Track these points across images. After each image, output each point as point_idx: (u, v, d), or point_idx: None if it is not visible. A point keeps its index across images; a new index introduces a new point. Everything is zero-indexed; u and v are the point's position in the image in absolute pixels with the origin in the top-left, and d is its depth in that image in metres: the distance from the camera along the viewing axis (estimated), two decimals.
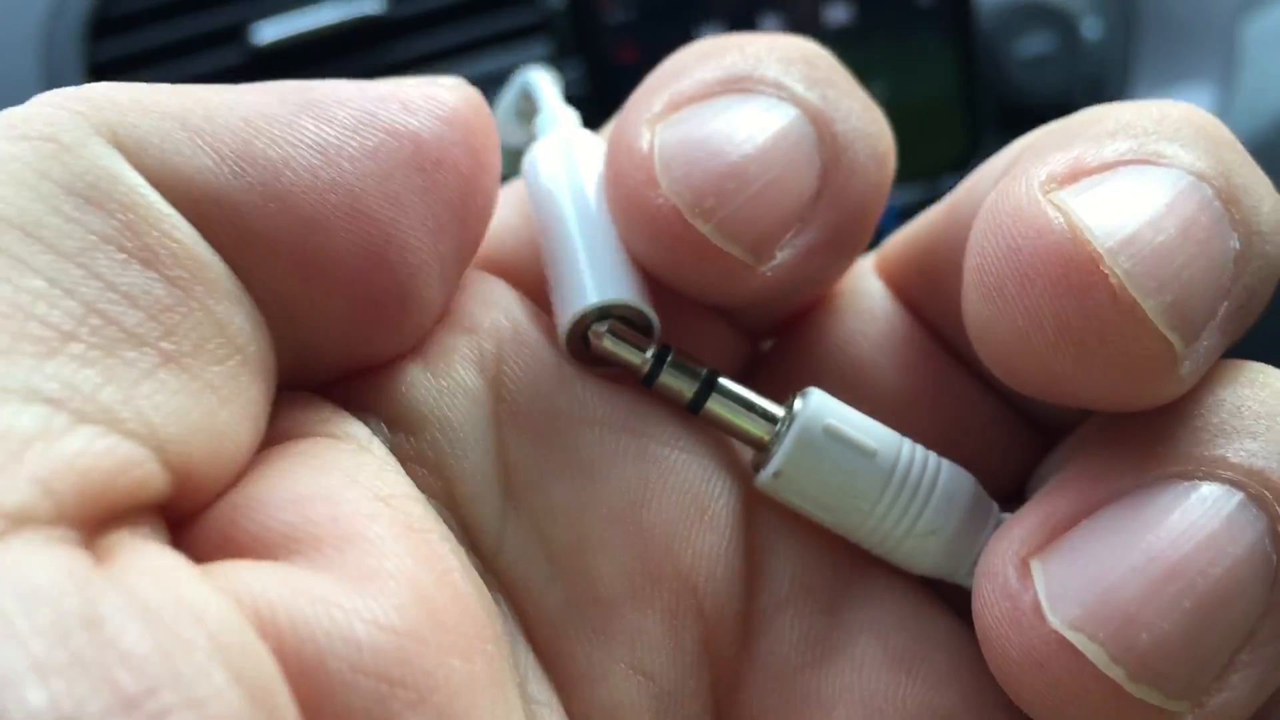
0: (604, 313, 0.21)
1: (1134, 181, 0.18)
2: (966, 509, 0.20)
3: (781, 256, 0.20)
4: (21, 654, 0.12)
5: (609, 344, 0.20)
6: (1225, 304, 0.18)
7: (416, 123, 0.19)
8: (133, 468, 0.15)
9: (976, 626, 0.18)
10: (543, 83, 0.25)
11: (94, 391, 0.15)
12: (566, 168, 0.22)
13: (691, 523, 0.20)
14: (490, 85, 0.58)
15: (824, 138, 0.20)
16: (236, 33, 0.56)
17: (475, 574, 0.19)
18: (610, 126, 0.22)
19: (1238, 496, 0.17)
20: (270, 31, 0.55)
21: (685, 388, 0.21)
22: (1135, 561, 0.17)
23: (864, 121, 0.21)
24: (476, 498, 0.20)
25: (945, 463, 0.20)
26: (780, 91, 0.20)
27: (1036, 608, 0.17)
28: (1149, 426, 0.18)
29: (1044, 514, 0.18)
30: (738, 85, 0.20)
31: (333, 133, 0.18)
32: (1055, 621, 0.17)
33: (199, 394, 0.16)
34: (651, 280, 0.21)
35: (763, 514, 0.21)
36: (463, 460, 0.20)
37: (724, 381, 0.21)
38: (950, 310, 0.22)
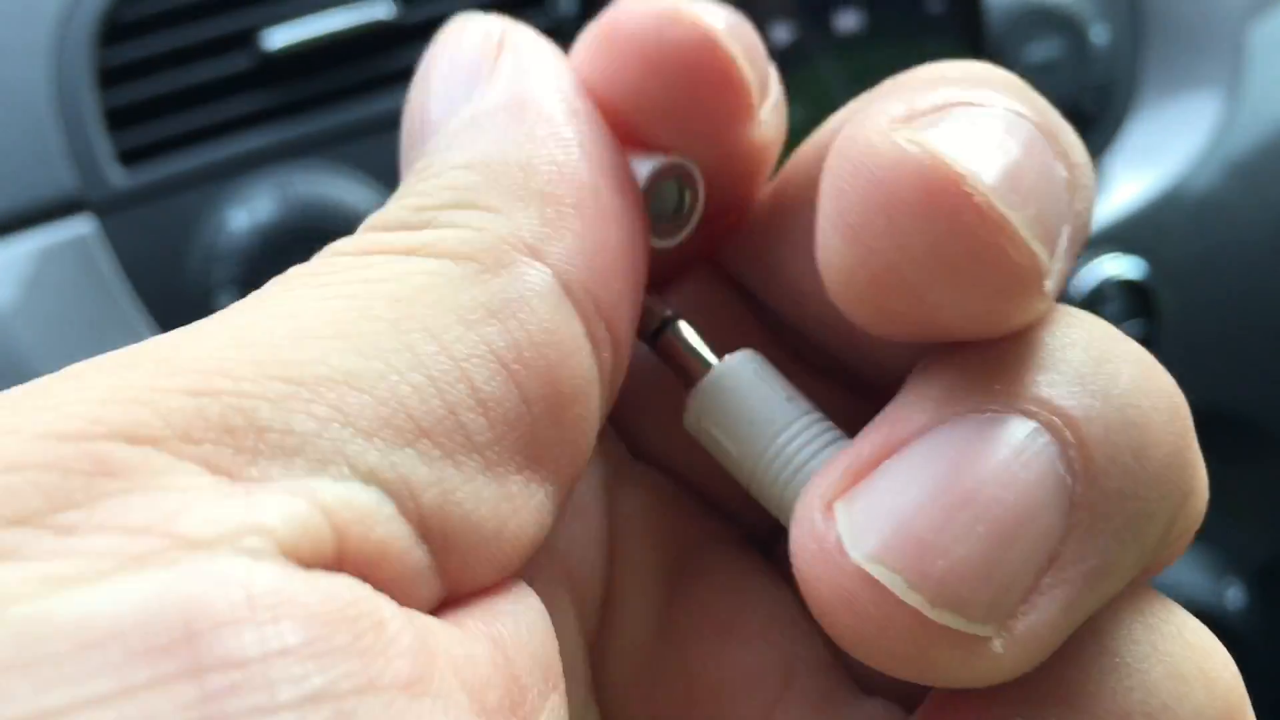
0: (659, 174, 0.22)
1: (968, 118, 0.18)
2: None
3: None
4: (331, 637, 0.14)
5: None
6: (1067, 227, 0.18)
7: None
8: (408, 563, 0.17)
9: (795, 573, 0.19)
10: None
11: (421, 491, 0.17)
12: None
13: (569, 515, 0.22)
14: None
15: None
16: (247, 38, 0.56)
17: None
18: None
19: (1029, 425, 0.18)
20: (280, 37, 0.55)
21: (648, 320, 0.22)
22: (928, 493, 0.17)
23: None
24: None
25: (844, 440, 0.21)
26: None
27: (839, 545, 0.18)
28: (950, 369, 0.19)
29: (848, 460, 0.19)
30: None
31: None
32: (856, 556, 0.17)
33: (496, 505, 0.18)
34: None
35: (621, 505, 0.23)
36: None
37: (684, 327, 0.22)
38: (774, 286, 0.24)
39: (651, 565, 0.23)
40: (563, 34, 0.58)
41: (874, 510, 0.18)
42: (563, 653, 0.20)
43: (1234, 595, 0.65)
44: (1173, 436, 0.19)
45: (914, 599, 0.17)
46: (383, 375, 0.17)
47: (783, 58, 0.57)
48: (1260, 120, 0.65)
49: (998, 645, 0.17)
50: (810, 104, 0.58)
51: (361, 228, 0.20)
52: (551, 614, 0.20)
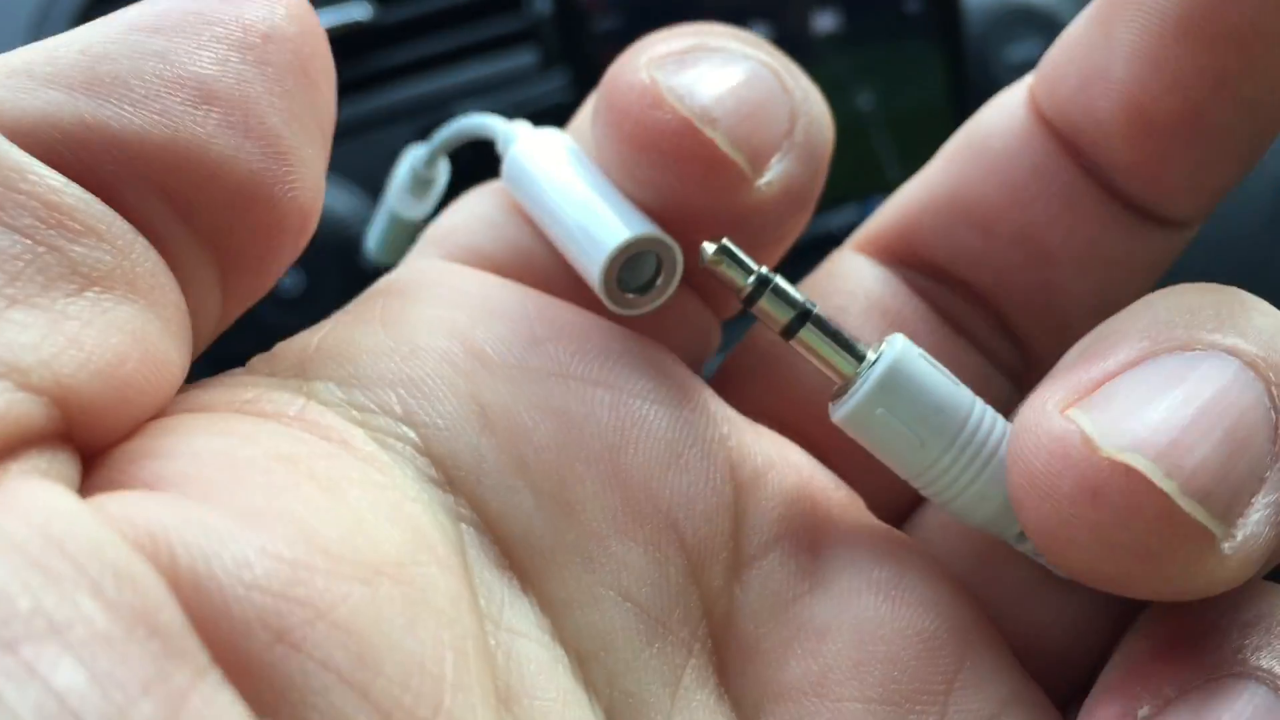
0: (632, 246, 0.22)
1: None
2: None
3: (773, 172, 0.22)
4: None
5: (719, 264, 0.22)
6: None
7: (238, 8, 0.20)
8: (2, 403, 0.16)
9: (1018, 482, 0.20)
10: (482, 118, 0.27)
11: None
12: (553, 150, 0.24)
13: (666, 466, 0.22)
14: (477, 92, 0.58)
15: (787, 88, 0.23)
16: None
17: (418, 507, 0.20)
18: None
19: (1236, 362, 0.19)
20: None
21: (782, 314, 0.22)
22: (1170, 401, 0.19)
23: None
24: (448, 434, 0.21)
25: (1001, 418, 0.22)
26: (738, 46, 0.23)
27: (1087, 441, 0.19)
28: (1150, 316, 0.21)
29: (1072, 379, 0.20)
30: (701, 48, 0.23)
31: (163, 37, 0.19)
32: (1109, 448, 0.18)
33: (53, 326, 0.17)
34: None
35: (746, 458, 0.23)
36: (432, 405, 0.21)
37: (819, 314, 0.22)
38: (942, 267, 0.25)
39: (793, 525, 0.23)
40: (538, 36, 0.58)
41: (1119, 414, 0.19)
42: (663, 611, 0.21)
43: None
44: None
45: (1168, 485, 0.18)
46: None
47: None
48: None
49: (1226, 547, 0.18)
50: None
51: None
52: (654, 573, 0.21)
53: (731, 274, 0.22)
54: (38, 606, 0.14)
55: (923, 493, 0.22)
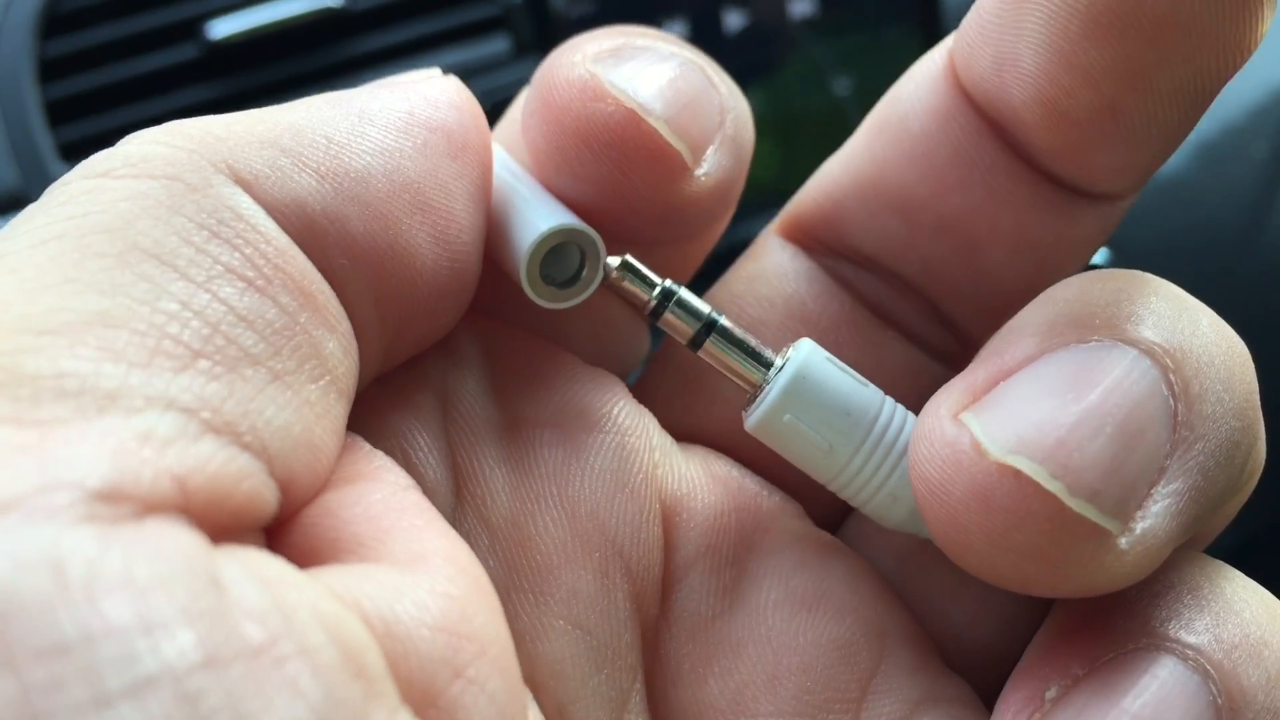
0: (552, 238, 0.22)
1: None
2: None
3: (709, 163, 0.22)
4: (162, 607, 0.14)
5: (623, 280, 0.23)
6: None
7: (442, 115, 0.21)
8: (247, 478, 0.17)
9: (917, 488, 0.20)
10: None
11: (220, 404, 0.16)
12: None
13: (613, 495, 0.22)
14: None
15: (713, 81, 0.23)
16: (192, 28, 0.55)
17: None
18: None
19: (1132, 351, 0.19)
20: (226, 26, 0.54)
21: (688, 325, 0.22)
22: (1058, 401, 0.19)
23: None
24: (435, 494, 0.22)
25: (910, 414, 0.22)
26: (664, 45, 0.23)
27: (976, 445, 0.19)
28: (1048, 310, 0.21)
29: (966, 382, 0.20)
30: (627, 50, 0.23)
31: (391, 137, 0.20)
32: (996, 452, 0.18)
33: (299, 410, 0.18)
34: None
35: (671, 484, 0.23)
36: (425, 467, 0.22)
37: (724, 323, 0.22)
38: (867, 256, 0.24)
39: (713, 544, 0.23)
40: (509, 23, 0.58)
41: (1007, 416, 0.19)
42: (610, 636, 0.22)
43: None
44: (1248, 379, 0.20)
45: (1055, 486, 0.18)
46: (131, 309, 0.16)
47: (738, 43, 0.56)
48: (1223, 101, 0.65)
49: (1123, 542, 0.18)
50: (765, 89, 0.57)
51: None
52: (603, 601, 0.22)
53: (635, 288, 0.22)
54: (293, 631, 0.15)
55: (839, 495, 0.22)
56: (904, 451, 0.21)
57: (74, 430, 0.15)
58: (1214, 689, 0.19)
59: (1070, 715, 0.19)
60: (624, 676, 0.22)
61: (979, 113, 0.23)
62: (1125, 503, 0.18)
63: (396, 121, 0.21)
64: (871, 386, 0.22)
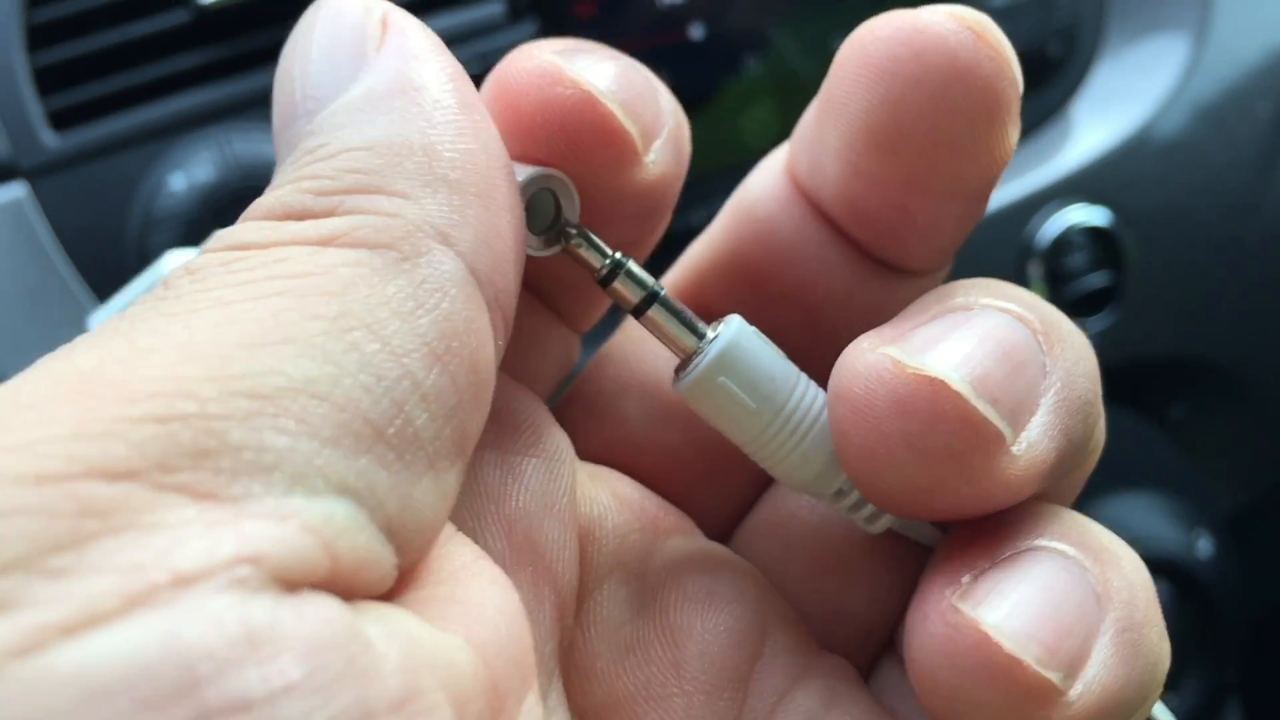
0: (537, 182, 0.24)
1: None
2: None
3: (656, 152, 0.24)
4: (329, 668, 0.16)
5: (580, 247, 0.24)
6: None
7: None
8: (388, 559, 0.18)
9: (838, 415, 0.23)
10: None
11: (384, 496, 0.18)
12: None
13: (543, 515, 0.24)
14: (445, 44, 0.57)
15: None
16: None
17: None
18: None
19: (1008, 315, 0.23)
20: None
21: (633, 294, 0.24)
22: (958, 335, 0.23)
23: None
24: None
25: (819, 388, 0.25)
26: (607, 50, 0.25)
27: (896, 362, 0.22)
28: (942, 292, 0.25)
29: (880, 332, 0.24)
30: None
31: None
32: (912, 365, 0.22)
33: (440, 498, 0.19)
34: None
35: (586, 505, 0.26)
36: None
37: (666, 296, 0.24)
38: (749, 300, 0.27)
39: (621, 560, 0.26)
40: None
41: (918, 345, 0.22)
42: (537, 646, 0.23)
43: (1204, 545, 0.65)
44: (1094, 363, 0.24)
45: (964, 388, 0.22)
46: (336, 380, 0.18)
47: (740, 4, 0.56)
48: (1227, 63, 0.65)
49: (1015, 449, 0.22)
50: (764, 53, 0.57)
51: (255, 213, 0.20)
52: (534, 611, 0.23)
53: (589, 256, 0.24)
54: (423, 690, 0.17)
55: (754, 458, 0.25)
56: (815, 418, 0.24)
57: (264, 506, 0.16)
58: (1092, 579, 0.23)
59: (988, 588, 0.22)
60: (544, 680, 0.24)
61: (809, 203, 0.27)
62: (1017, 413, 0.22)
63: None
64: (790, 362, 0.25)
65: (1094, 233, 0.62)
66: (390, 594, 0.19)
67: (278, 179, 0.21)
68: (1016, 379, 0.22)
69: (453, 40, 0.55)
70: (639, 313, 0.24)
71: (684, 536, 0.27)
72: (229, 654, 0.15)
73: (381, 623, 0.17)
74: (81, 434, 0.15)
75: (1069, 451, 0.24)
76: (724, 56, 0.57)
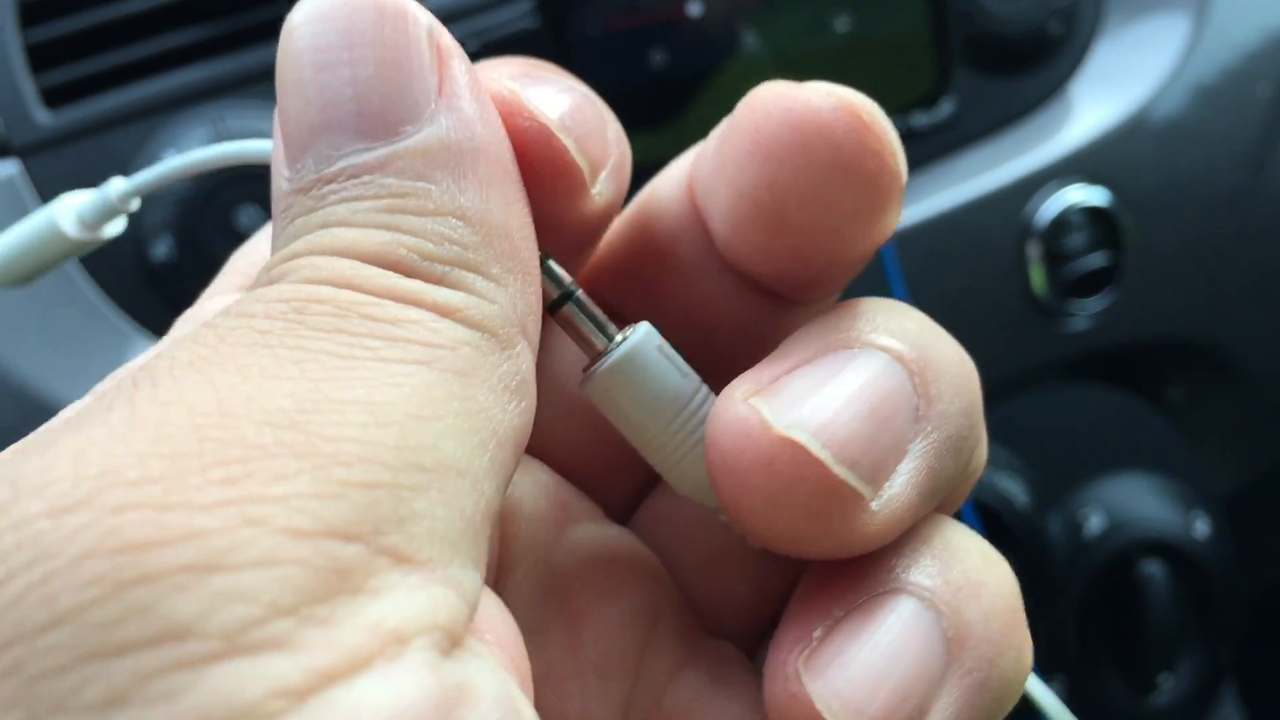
0: None
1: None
2: None
3: (601, 184, 0.25)
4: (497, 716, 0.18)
5: None
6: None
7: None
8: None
9: (713, 458, 0.23)
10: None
11: (483, 564, 0.20)
12: None
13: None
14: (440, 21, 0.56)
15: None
16: None
17: None
18: None
19: (885, 356, 0.24)
20: None
21: (550, 290, 0.25)
22: (829, 390, 0.23)
23: None
24: None
25: None
26: (562, 77, 0.25)
27: (763, 422, 0.23)
28: (823, 327, 0.25)
29: (756, 375, 0.24)
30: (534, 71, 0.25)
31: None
32: (779, 427, 0.23)
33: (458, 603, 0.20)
34: None
35: (509, 491, 0.26)
36: None
37: (580, 296, 0.25)
38: (645, 309, 0.28)
39: (531, 546, 0.27)
40: None
41: (788, 401, 0.23)
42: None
43: (1201, 526, 0.65)
44: (974, 390, 0.25)
45: (824, 455, 0.22)
46: (470, 462, 0.19)
47: None
48: (1226, 42, 0.64)
49: (874, 505, 0.23)
50: (763, 28, 0.56)
51: (345, 248, 0.20)
52: None
53: None
54: None
55: (648, 460, 0.26)
56: (703, 435, 0.25)
57: (439, 574, 0.18)
58: (945, 623, 0.24)
59: (834, 649, 0.23)
60: None
61: (705, 226, 0.27)
62: (877, 472, 0.23)
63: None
64: (691, 376, 0.25)
65: (1093, 213, 0.62)
66: None
67: (330, 193, 0.21)
68: (883, 435, 0.23)
69: (449, 18, 0.54)
70: (554, 309, 0.25)
71: (589, 522, 0.28)
72: (461, 701, 0.17)
73: (482, 664, 0.19)
74: (320, 494, 0.17)
75: (940, 488, 0.25)
76: (723, 34, 0.56)
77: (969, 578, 0.24)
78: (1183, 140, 0.63)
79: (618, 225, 0.29)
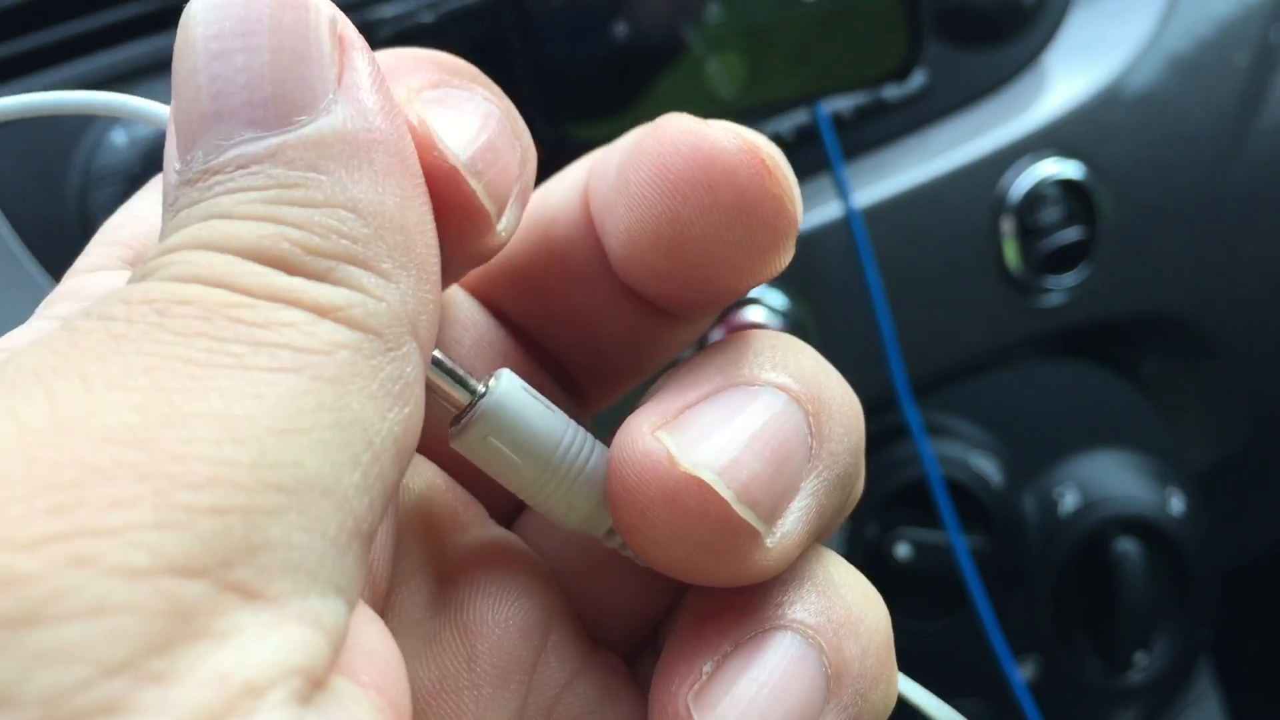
0: None
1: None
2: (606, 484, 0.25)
3: (507, 218, 0.25)
4: None
5: None
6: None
7: None
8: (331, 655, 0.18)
9: (613, 491, 0.24)
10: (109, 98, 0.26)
11: (351, 589, 0.18)
12: None
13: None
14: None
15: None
16: None
17: None
18: None
19: (784, 397, 0.25)
20: None
21: None
22: (733, 428, 0.24)
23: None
24: None
25: (599, 445, 0.26)
26: (480, 89, 0.25)
27: (670, 457, 0.23)
28: (716, 361, 0.26)
29: (660, 407, 0.24)
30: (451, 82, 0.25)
31: None
32: (685, 464, 0.23)
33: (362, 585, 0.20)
34: None
35: (403, 497, 0.27)
36: None
37: (438, 355, 0.25)
38: (517, 325, 0.29)
39: (427, 549, 0.27)
40: None
41: (694, 437, 0.24)
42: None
43: (1176, 503, 0.64)
44: (860, 428, 0.26)
45: (728, 494, 0.23)
46: (337, 478, 0.18)
47: None
48: (1203, 12, 0.64)
49: (769, 541, 0.24)
50: (727, 5, 0.55)
51: (225, 243, 0.19)
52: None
53: None
54: None
55: (529, 502, 0.26)
56: (581, 469, 0.25)
57: (296, 608, 0.17)
58: (825, 660, 0.24)
59: (723, 686, 0.24)
60: None
61: (597, 236, 0.27)
62: (774, 511, 0.24)
63: None
64: (559, 412, 0.26)
65: (1067, 186, 0.61)
66: None
67: (217, 184, 0.19)
68: (781, 475, 0.24)
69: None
70: None
71: (480, 528, 0.28)
72: None
73: (347, 716, 0.18)
74: (161, 524, 0.16)
75: (826, 523, 0.26)
76: (688, 4, 0.55)
77: (850, 614, 0.25)
78: (1158, 112, 0.62)
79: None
